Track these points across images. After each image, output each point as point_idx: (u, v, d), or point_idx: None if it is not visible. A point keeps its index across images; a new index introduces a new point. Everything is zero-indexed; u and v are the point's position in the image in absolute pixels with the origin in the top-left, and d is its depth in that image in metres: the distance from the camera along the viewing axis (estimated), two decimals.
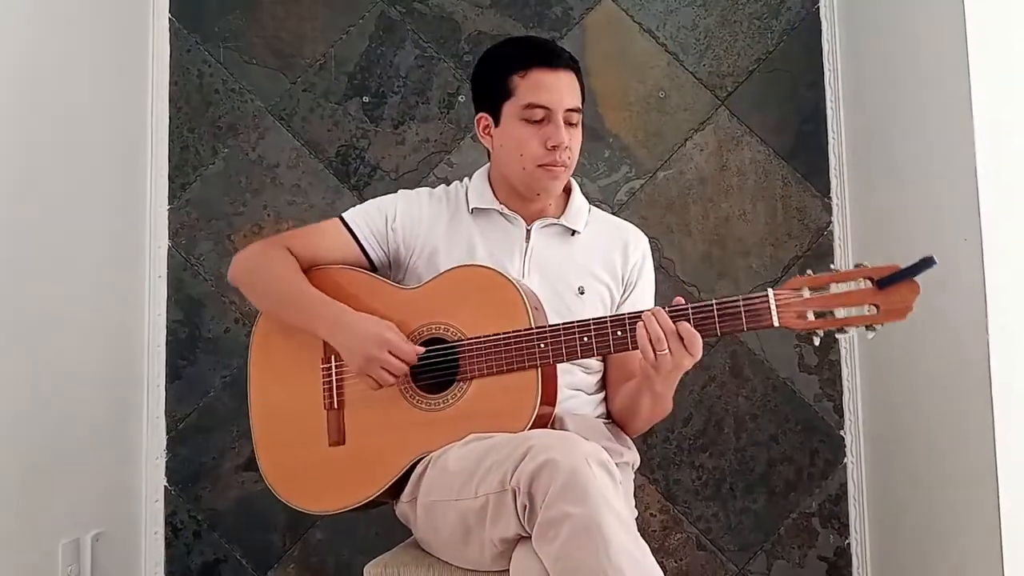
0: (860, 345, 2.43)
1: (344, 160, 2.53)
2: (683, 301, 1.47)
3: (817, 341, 1.42)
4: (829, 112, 2.50)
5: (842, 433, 2.46)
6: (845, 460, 2.45)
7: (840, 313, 1.39)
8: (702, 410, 2.47)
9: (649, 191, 2.51)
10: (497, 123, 1.67)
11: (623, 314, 1.51)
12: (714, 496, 2.45)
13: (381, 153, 2.53)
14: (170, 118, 2.53)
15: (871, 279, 1.39)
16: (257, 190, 2.52)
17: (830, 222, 2.50)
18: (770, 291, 1.42)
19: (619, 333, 1.49)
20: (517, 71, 1.63)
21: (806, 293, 1.41)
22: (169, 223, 2.51)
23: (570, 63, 1.66)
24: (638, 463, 1.72)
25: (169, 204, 2.52)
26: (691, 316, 1.44)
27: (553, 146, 1.61)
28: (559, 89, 1.62)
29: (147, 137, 2.50)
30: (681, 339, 1.43)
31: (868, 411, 2.42)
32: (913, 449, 2.16)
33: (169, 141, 2.52)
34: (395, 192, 1.78)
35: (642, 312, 1.47)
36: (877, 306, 1.38)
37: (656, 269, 1.82)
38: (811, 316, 1.40)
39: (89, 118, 2.23)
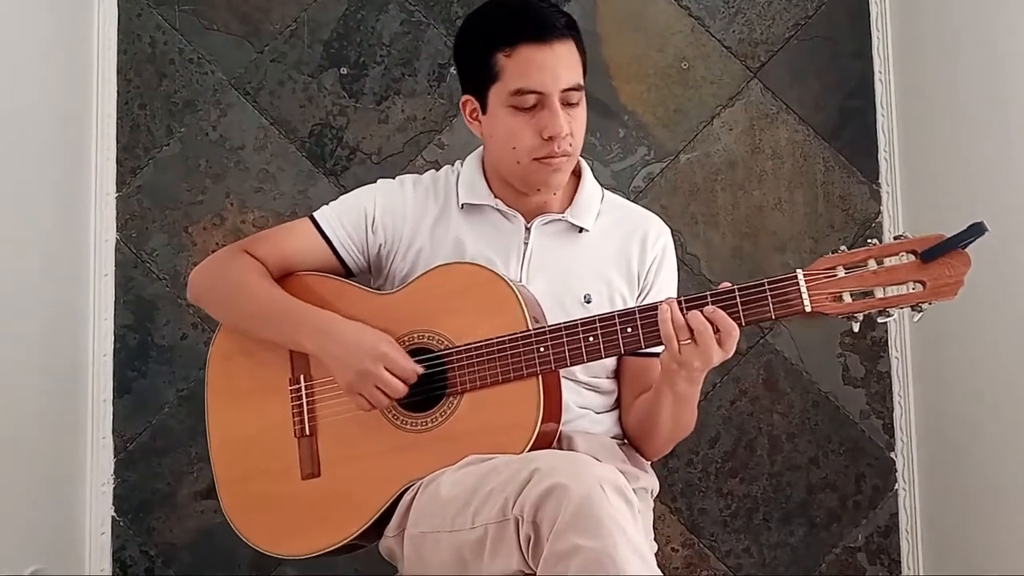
0: (913, 354, 2.43)
1: (319, 141, 2.53)
2: (730, 285, 1.47)
3: (856, 327, 1.43)
4: (878, 85, 2.50)
5: (893, 455, 2.46)
6: (896, 486, 2.45)
7: (881, 293, 1.40)
8: (731, 429, 2.46)
9: (670, 176, 2.51)
10: (484, 110, 1.64)
11: (632, 308, 1.51)
12: (745, 528, 2.45)
13: (361, 133, 2.52)
14: (118, 93, 2.52)
15: (914, 252, 1.39)
16: (218, 175, 2.52)
17: (879, 212, 2.50)
18: (799, 272, 1.43)
19: (629, 330, 1.49)
20: (501, 48, 1.57)
21: (840, 272, 1.41)
22: (117, 213, 2.50)
23: (566, 30, 1.59)
24: (657, 489, 1.72)
25: (117, 191, 2.51)
26: (710, 304, 1.44)
27: (550, 136, 1.58)
28: (553, 68, 1.57)
29: (92, 114, 2.49)
30: (714, 327, 1.43)
31: (923, 430, 2.41)
32: (974, 474, 2.16)
33: (117, 119, 2.51)
34: (377, 179, 1.77)
35: (659, 303, 1.47)
36: (923, 283, 1.38)
37: (679, 266, 1.81)
38: (848, 298, 1.41)
39: (24, 93, 2.22)
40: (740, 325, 1.44)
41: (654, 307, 1.48)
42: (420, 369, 1.55)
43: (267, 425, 1.64)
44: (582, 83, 1.61)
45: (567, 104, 1.59)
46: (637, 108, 2.52)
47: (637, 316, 1.49)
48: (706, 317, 1.43)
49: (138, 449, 2.47)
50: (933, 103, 2.32)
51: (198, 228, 2.51)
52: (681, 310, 1.45)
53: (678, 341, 1.44)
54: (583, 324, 1.51)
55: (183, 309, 2.48)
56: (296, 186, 2.51)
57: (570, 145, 1.60)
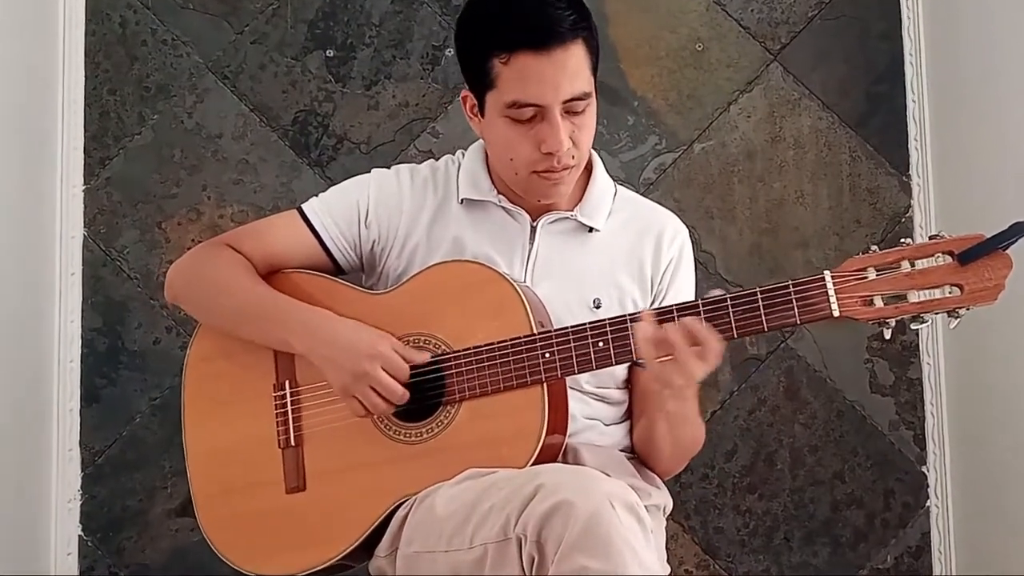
0: (946, 359, 2.43)
1: (303, 129, 2.52)
2: (721, 292, 1.47)
3: (888, 333, 1.43)
4: (908, 69, 2.50)
5: (924, 469, 2.46)
6: (928, 503, 2.45)
7: (915, 297, 1.40)
8: (750, 441, 2.46)
9: (684, 167, 2.51)
10: (482, 112, 1.63)
11: (645, 311, 1.50)
12: (765, 548, 2.45)
13: (349, 120, 2.52)
14: (86, 77, 2.52)
15: (951, 253, 1.39)
16: (194, 166, 2.51)
17: (909, 205, 2.50)
18: (827, 273, 1.43)
19: None
20: (497, 54, 1.54)
21: (871, 274, 1.41)
22: (84, 208, 2.50)
23: (571, 32, 1.53)
24: (670, 507, 1.73)
25: (84, 184, 2.51)
26: (731, 308, 1.44)
27: (549, 151, 1.56)
28: (554, 79, 1.53)
29: (57, 100, 2.49)
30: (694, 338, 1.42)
31: (957, 442, 2.41)
32: (1013, 490, 2.16)
33: (85, 106, 2.51)
34: (366, 170, 1.77)
35: (667, 307, 1.47)
36: (960, 286, 1.39)
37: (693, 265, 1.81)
38: (879, 302, 1.41)
39: None
40: (762, 330, 1.45)
41: (670, 309, 1.47)
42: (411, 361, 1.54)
43: (249, 435, 1.65)
44: (589, 90, 1.57)
45: (571, 113, 1.56)
46: (648, 93, 2.52)
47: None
48: (682, 329, 1.42)
49: (107, 463, 2.46)
50: (967, 87, 2.32)
51: (172, 223, 2.50)
52: (674, 319, 1.44)
53: (656, 358, 1.43)
54: (592, 328, 1.51)
55: (156, 311, 2.48)
56: (279, 178, 2.51)
57: (572, 158, 1.59)
